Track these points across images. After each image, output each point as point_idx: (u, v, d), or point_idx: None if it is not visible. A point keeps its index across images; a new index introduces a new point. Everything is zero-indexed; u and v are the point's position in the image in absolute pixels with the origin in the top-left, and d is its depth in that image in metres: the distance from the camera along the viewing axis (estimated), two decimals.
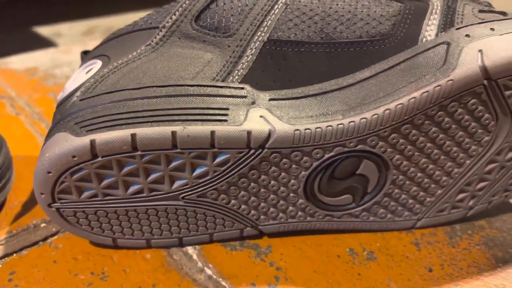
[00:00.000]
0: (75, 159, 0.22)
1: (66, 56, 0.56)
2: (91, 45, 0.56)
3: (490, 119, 0.25)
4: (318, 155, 0.24)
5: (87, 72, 0.26)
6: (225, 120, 0.23)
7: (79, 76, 0.27)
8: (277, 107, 0.24)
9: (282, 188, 0.26)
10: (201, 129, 0.22)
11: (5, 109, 0.44)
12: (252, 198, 0.26)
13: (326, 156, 0.24)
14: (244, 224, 0.27)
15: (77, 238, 0.28)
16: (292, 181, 0.25)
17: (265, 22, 0.26)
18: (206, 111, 0.23)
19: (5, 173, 0.30)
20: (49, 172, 0.22)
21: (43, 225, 0.30)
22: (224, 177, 0.24)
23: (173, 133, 0.22)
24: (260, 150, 0.24)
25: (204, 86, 0.24)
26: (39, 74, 0.51)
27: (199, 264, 0.27)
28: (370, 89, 0.24)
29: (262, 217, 0.27)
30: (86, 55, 0.32)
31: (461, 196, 0.28)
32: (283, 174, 0.25)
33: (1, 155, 0.29)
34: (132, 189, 0.24)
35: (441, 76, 0.23)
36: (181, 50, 0.26)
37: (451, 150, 0.26)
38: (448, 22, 0.25)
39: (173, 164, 0.23)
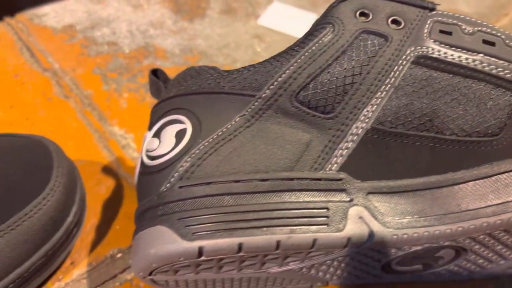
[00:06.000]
0: (181, 259, 0.22)
1: (102, 11, 0.51)
2: None
3: None
4: (406, 249, 0.25)
5: (176, 134, 0.25)
6: (327, 225, 0.23)
7: (166, 136, 0.25)
8: (375, 204, 0.24)
9: (361, 266, 0.27)
10: (304, 237, 0.23)
11: (52, 88, 0.42)
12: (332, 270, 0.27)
13: (413, 249, 0.25)
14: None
15: None
16: (374, 263, 0.26)
17: (370, 106, 0.24)
18: (306, 212, 0.23)
19: (82, 209, 0.30)
20: (153, 264, 0.23)
21: (119, 255, 0.31)
22: (305, 261, 0.25)
23: (278, 242, 0.22)
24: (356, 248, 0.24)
25: (304, 179, 0.24)
26: (79, 37, 0.48)
27: None
28: (467, 194, 0.24)
29: (334, 278, 0.28)
30: (155, 79, 0.30)
31: None
32: (365, 258, 0.26)
33: (77, 192, 0.29)
34: (225, 269, 0.25)
35: None
36: (278, 129, 0.25)
37: None
38: None
39: (268, 257, 0.24)
